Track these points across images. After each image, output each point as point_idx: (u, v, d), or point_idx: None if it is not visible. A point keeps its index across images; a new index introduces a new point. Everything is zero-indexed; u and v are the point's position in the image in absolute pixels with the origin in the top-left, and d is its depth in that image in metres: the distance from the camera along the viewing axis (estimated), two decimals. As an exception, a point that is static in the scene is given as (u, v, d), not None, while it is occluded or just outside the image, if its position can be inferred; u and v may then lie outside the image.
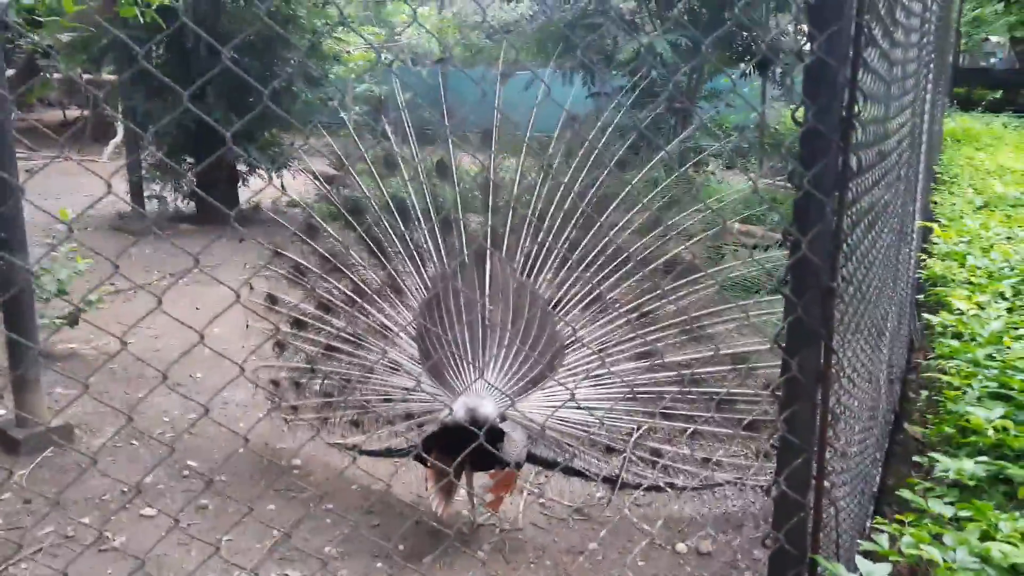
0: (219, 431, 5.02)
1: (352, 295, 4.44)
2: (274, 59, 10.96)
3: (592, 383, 4.00)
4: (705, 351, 4.00)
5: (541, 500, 4.50)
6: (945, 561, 1.72)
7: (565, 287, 4.17)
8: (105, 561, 3.85)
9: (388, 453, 4.51)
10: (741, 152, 10.78)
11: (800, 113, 1.60)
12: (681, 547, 4.06)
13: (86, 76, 16.13)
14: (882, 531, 1.97)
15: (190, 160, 11.32)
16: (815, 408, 1.71)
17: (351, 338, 4.39)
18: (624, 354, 4.06)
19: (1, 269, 4.71)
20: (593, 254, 4.18)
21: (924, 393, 4.84)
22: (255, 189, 11.31)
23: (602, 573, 3.84)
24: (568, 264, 4.18)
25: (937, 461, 2.31)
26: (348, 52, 12.20)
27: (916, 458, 3.05)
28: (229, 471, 4.69)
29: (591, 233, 4.22)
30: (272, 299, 4.73)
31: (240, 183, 11.57)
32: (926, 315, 3.95)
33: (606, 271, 4.15)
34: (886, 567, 1.78)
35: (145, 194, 11.24)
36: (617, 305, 4.07)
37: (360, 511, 4.38)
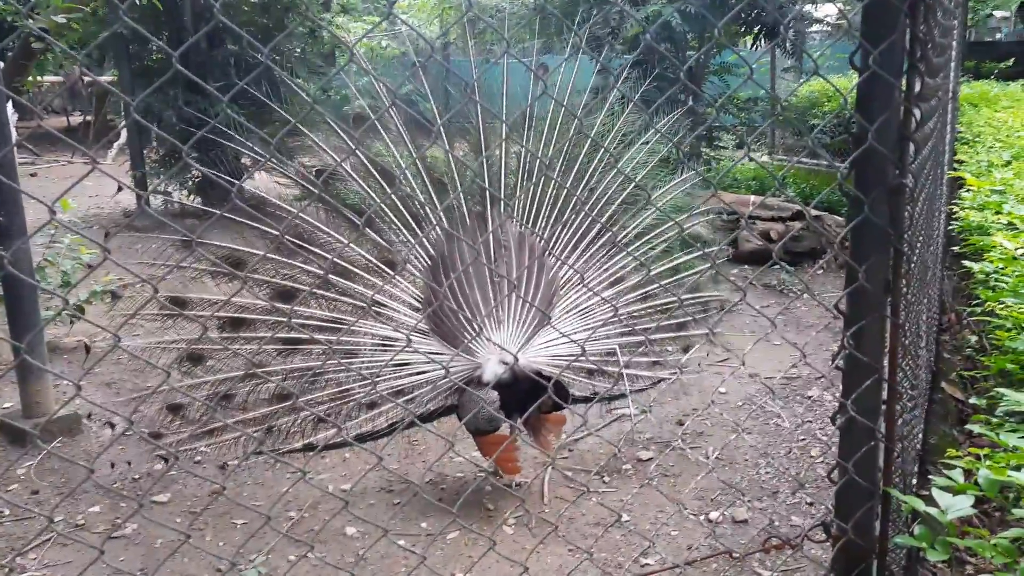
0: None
1: (327, 277, 3.94)
2: (273, 50, 10.81)
3: (580, 315, 4.16)
4: (656, 268, 4.39)
5: (568, 472, 4.34)
6: (1038, 487, 1.55)
7: (557, 232, 4.27)
8: (116, 548, 3.70)
9: (371, 436, 4.07)
10: (752, 128, 10.55)
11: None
12: (714, 515, 3.88)
13: (87, 78, 16.04)
14: (955, 466, 1.79)
15: (193, 155, 11.17)
16: (884, 322, 1.53)
17: (326, 324, 3.94)
18: (602, 284, 4.25)
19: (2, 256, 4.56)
20: (574, 199, 4.28)
21: (958, 355, 4.68)
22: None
23: (634, 545, 3.67)
24: (556, 210, 4.29)
25: (1004, 395, 2.13)
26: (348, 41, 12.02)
27: (974, 399, 2.87)
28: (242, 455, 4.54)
29: (570, 180, 4.34)
30: (179, 303, 3.97)
31: (244, 177, 11.40)
32: (967, 263, 3.76)
33: (587, 213, 4.28)
34: (968, 499, 1.61)
35: (149, 190, 11.11)
36: (598, 241, 4.28)
37: (379, 491, 4.23)
